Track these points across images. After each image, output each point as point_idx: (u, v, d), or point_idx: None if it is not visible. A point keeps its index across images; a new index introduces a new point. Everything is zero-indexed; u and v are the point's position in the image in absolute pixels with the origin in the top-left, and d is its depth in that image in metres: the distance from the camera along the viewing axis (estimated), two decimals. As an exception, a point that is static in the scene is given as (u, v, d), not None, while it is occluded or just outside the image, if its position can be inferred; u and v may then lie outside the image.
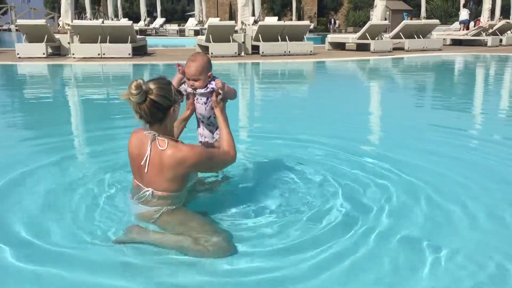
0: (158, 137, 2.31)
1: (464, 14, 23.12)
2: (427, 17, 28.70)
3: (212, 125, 2.94)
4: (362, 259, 2.14)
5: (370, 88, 9.23)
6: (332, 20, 49.89)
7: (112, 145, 4.10)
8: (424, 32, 17.95)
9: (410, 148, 4.04)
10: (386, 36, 18.48)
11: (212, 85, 2.73)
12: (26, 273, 2.03)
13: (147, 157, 2.31)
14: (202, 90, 2.75)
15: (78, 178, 3.16)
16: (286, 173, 3.26)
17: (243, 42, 15.44)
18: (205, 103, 2.81)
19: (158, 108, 2.26)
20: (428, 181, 3.10)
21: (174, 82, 2.77)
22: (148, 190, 2.35)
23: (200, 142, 2.98)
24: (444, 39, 20.18)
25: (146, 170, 2.33)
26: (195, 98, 2.81)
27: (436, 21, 19.68)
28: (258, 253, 2.18)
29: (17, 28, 18.50)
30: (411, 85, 9.45)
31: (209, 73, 2.73)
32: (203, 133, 2.98)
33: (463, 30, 22.19)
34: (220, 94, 2.70)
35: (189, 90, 2.77)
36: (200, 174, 2.74)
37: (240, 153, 3.25)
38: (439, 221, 2.54)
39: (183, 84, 2.82)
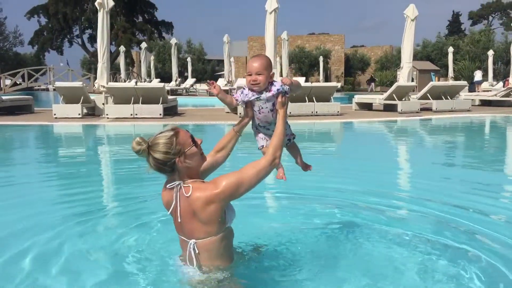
0: (183, 185, 2.30)
1: (478, 75, 23.91)
2: (455, 77, 28.77)
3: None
4: None
5: (398, 149, 9.17)
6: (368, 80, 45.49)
7: (144, 204, 4.17)
8: (452, 93, 17.95)
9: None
10: (414, 96, 18.53)
11: (277, 86, 2.51)
12: None
13: (175, 206, 2.30)
14: (269, 94, 2.51)
15: (112, 239, 3.20)
16: (323, 231, 3.22)
17: (271, 103, 15.67)
18: (272, 110, 2.57)
19: (162, 163, 2.26)
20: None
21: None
22: (191, 243, 2.32)
23: (262, 147, 2.69)
24: (472, 99, 20.12)
25: (179, 220, 2.31)
26: (260, 108, 2.57)
27: (464, 82, 19.71)
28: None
29: (54, 88, 19.39)
30: (441, 147, 9.35)
31: (272, 72, 2.52)
32: (264, 138, 2.69)
33: (477, 90, 22.92)
34: (287, 94, 2.50)
35: (252, 98, 2.54)
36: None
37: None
38: None
39: (243, 91, 2.58)
